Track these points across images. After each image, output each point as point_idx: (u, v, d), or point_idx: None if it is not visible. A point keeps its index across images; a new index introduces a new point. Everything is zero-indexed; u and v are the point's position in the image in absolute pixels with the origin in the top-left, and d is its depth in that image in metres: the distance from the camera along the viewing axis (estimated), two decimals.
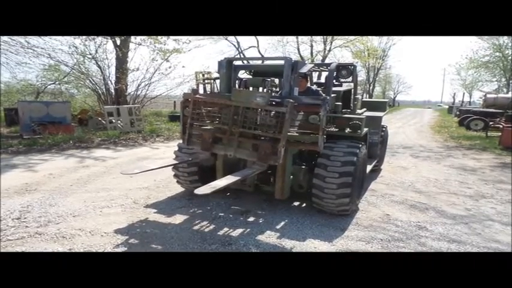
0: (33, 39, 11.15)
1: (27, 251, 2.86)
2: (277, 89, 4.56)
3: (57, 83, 15.26)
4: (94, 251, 2.86)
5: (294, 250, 2.99)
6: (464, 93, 34.81)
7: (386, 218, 3.85)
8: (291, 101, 3.19)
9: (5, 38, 10.53)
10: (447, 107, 33.96)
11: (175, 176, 4.41)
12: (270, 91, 3.81)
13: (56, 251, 2.87)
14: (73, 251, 2.85)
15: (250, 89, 4.00)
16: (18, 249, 2.88)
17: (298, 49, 23.82)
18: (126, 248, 2.94)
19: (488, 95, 19.11)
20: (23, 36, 10.54)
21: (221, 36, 20.05)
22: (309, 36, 22.07)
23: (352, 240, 3.24)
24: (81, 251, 2.89)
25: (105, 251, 2.89)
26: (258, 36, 20.22)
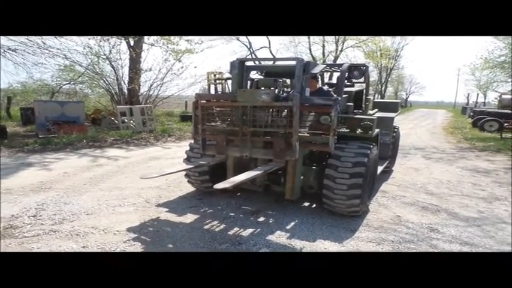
0: (49, 40, 11.43)
1: (38, 248, 2.95)
2: (289, 90, 4.56)
3: (71, 83, 15.60)
4: (95, 251, 2.86)
5: (304, 251, 2.99)
6: (478, 94, 34.04)
7: (397, 220, 3.82)
8: (297, 94, 3.21)
9: (22, 38, 10.82)
10: None
11: (186, 175, 4.46)
12: (281, 91, 3.82)
13: (57, 251, 2.93)
14: (72, 251, 2.87)
15: (262, 89, 4.03)
16: (35, 245, 2.96)
17: (310, 49, 23.75)
18: (138, 246, 2.99)
19: (503, 96, 18.65)
20: (39, 37, 10.80)
21: (233, 37, 20.18)
22: (321, 37, 21.99)
23: (363, 241, 3.23)
24: (82, 250, 2.94)
25: (106, 250, 2.92)
26: (270, 37, 20.27)
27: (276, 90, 3.64)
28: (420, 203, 4.47)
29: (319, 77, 4.90)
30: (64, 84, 15.63)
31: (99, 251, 2.66)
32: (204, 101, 3.68)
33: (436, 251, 2.79)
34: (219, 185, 2.80)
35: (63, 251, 2.63)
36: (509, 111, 15.27)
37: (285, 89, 4.15)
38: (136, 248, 2.97)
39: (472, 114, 19.72)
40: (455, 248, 3.14)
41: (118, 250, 2.92)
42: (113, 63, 13.64)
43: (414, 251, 2.78)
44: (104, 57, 13.34)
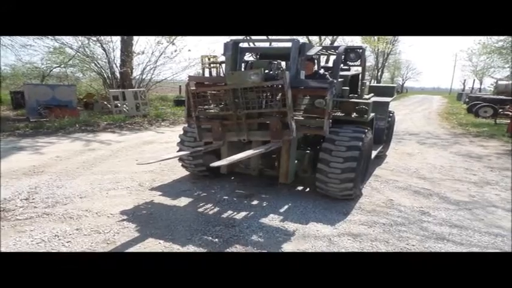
0: None
1: (31, 231, 2.94)
2: None
3: (62, 66, 15.26)
4: (96, 251, 2.77)
5: (296, 233, 3.02)
6: (474, 80, 34.12)
7: (389, 203, 3.86)
8: (287, 72, 3.16)
9: None
10: None
11: (180, 159, 4.43)
12: (276, 73, 3.76)
13: (57, 251, 2.92)
14: (74, 250, 2.79)
15: (251, 70, 3.95)
16: (28, 228, 2.95)
17: None
18: (131, 228, 3.00)
19: (499, 82, 18.70)
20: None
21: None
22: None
23: (355, 224, 3.26)
24: (82, 250, 2.94)
25: (106, 251, 2.87)
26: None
27: (271, 72, 3.57)
28: (413, 187, 4.51)
29: (316, 60, 4.82)
30: (54, 67, 15.28)
31: (100, 251, 2.64)
32: (194, 88, 3.60)
33: (435, 251, 2.82)
34: (217, 163, 2.79)
35: (63, 251, 2.61)
36: (505, 97, 15.35)
37: (280, 72, 4.09)
38: (130, 230, 2.98)
39: (467, 100, 19.79)
40: (445, 230, 3.20)
41: (112, 232, 2.92)
42: (104, 45, 13.31)
43: (413, 251, 2.81)
44: (95, 39, 13.01)
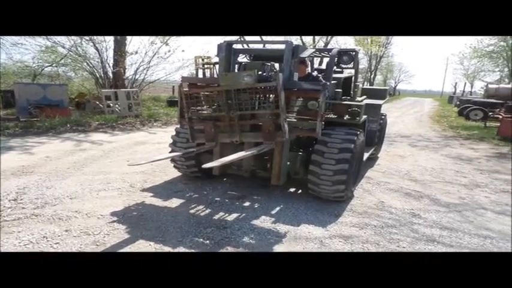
0: None
1: (19, 232, 2.88)
2: None
3: (54, 65, 15.00)
4: (95, 251, 2.76)
5: (288, 235, 3.02)
6: (465, 83, 34.63)
7: (380, 205, 3.89)
8: (280, 73, 3.17)
9: None
10: None
11: (172, 160, 4.40)
12: (269, 75, 3.77)
13: (57, 251, 2.88)
14: (74, 251, 2.80)
15: (245, 72, 3.95)
16: (15, 229, 2.90)
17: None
18: (122, 230, 2.96)
19: (489, 85, 19.00)
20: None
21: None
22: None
23: (346, 226, 3.28)
24: (82, 250, 2.90)
25: (103, 251, 2.86)
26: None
27: (264, 73, 3.57)
28: (404, 189, 4.55)
29: (309, 62, 4.84)
30: (46, 67, 15.00)
31: (99, 250, 2.60)
32: (187, 89, 3.59)
33: (435, 251, 2.84)
34: (208, 164, 2.77)
35: (62, 251, 2.57)
36: (495, 101, 15.61)
37: (273, 73, 4.09)
38: (120, 231, 2.94)
39: (458, 103, 20.07)
40: (435, 232, 3.23)
41: (102, 234, 2.88)
42: (96, 45, 13.13)
43: (412, 251, 2.82)
44: (87, 38, 12.86)
